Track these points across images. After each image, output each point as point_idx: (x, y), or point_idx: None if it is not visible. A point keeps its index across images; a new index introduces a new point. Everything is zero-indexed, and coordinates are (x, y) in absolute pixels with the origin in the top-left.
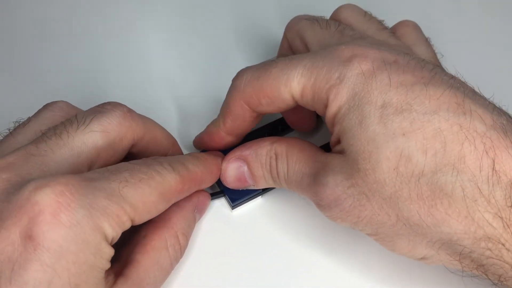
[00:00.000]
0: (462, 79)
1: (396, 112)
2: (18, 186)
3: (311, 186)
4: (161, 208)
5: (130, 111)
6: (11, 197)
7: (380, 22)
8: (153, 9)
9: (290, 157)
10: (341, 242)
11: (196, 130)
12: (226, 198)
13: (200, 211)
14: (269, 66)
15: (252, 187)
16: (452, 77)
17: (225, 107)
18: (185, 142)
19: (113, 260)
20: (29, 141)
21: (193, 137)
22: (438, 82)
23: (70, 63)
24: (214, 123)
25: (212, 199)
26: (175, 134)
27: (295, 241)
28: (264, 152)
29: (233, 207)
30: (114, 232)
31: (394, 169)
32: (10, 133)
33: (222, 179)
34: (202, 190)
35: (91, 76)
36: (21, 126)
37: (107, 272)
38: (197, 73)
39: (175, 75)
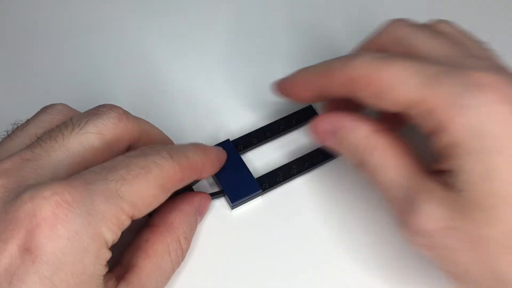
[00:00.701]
0: None
1: None
2: (14, 194)
3: (401, 204)
4: (162, 199)
5: (125, 113)
6: (8, 208)
7: (481, 44)
8: (154, 8)
9: (388, 158)
10: (340, 243)
11: (193, 133)
12: (225, 198)
13: (201, 213)
14: (395, 59)
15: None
16: None
17: (324, 67)
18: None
19: (115, 264)
20: (26, 144)
21: (190, 140)
22: None
23: (69, 65)
24: (308, 69)
25: (212, 198)
26: (172, 136)
27: (295, 242)
28: (361, 135)
29: (232, 207)
30: (114, 235)
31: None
32: (8, 136)
33: (311, 130)
34: (203, 192)
35: (91, 78)
36: (19, 129)
37: (108, 276)
38: (196, 76)
39: (175, 77)
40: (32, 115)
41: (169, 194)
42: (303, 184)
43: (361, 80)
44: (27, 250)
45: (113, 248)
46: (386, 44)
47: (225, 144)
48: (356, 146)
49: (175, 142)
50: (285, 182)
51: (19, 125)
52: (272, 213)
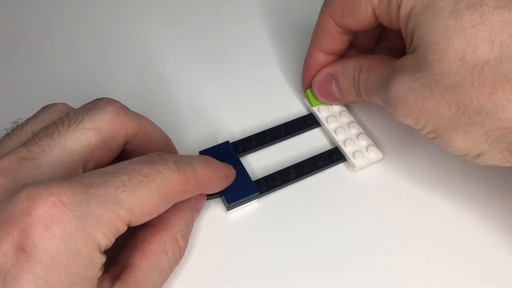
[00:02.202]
0: None
1: (467, 7)
2: (11, 193)
3: (384, 89)
4: (162, 209)
5: (123, 107)
6: (4, 206)
7: None
8: (153, 7)
9: (371, 68)
10: (335, 246)
11: (191, 130)
12: (222, 199)
13: (197, 210)
14: None
15: (338, 103)
16: None
17: (315, 25)
18: (180, 142)
19: (111, 264)
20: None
21: (188, 137)
22: None
23: (70, 63)
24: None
25: (208, 199)
26: (172, 137)
27: (289, 246)
28: (351, 67)
29: (228, 208)
30: (107, 240)
31: (460, 59)
32: (7, 134)
33: (313, 88)
34: None
35: (91, 78)
36: (18, 128)
37: (103, 277)
38: (196, 74)
39: (174, 74)
40: (32, 114)
41: (170, 205)
42: (301, 190)
43: (336, 10)
44: (22, 249)
45: (108, 249)
46: None
47: (224, 145)
48: (350, 76)
49: (174, 142)
50: (283, 187)
51: (19, 123)
52: (268, 216)
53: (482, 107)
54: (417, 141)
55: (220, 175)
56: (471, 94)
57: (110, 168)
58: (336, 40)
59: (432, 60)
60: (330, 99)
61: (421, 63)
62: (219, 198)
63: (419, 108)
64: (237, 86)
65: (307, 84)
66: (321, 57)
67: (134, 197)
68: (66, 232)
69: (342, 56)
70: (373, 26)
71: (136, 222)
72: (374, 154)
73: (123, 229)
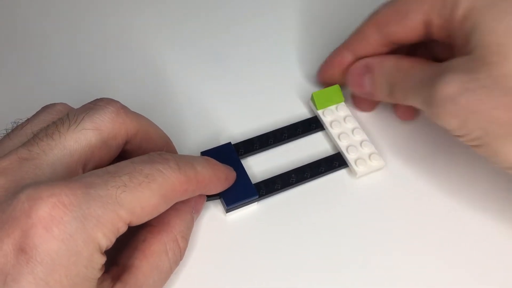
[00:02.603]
0: None
1: None
2: (12, 194)
3: (426, 88)
4: (162, 209)
5: (123, 107)
6: (5, 207)
7: None
8: (153, 7)
9: (412, 67)
10: (335, 249)
11: (193, 131)
12: (221, 201)
13: (197, 211)
14: None
15: (368, 97)
16: None
17: (356, 29)
18: (181, 142)
19: (111, 265)
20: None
21: (190, 138)
22: None
23: (70, 63)
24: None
25: (207, 200)
26: (172, 137)
27: (288, 250)
28: (390, 63)
29: (227, 210)
30: (108, 241)
31: None
32: (7, 134)
33: (347, 77)
34: None
35: (91, 78)
36: (18, 128)
37: (103, 277)
38: (197, 74)
39: (175, 74)
40: (33, 115)
41: (171, 204)
42: (301, 194)
43: (382, 17)
44: (22, 250)
45: (109, 249)
46: None
47: (226, 147)
48: (387, 74)
49: (175, 142)
50: (283, 191)
51: (19, 123)
52: (267, 219)
53: None
54: (422, 152)
55: (220, 176)
56: None
57: (111, 168)
58: (372, 48)
59: (493, 62)
60: (361, 90)
61: (479, 65)
62: (219, 200)
63: (471, 110)
64: (239, 86)
65: (325, 79)
66: (349, 57)
67: (135, 197)
68: (66, 233)
69: None
70: (418, 37)
71: (137, 222)
72: (376, 162)
73: (123, 229)
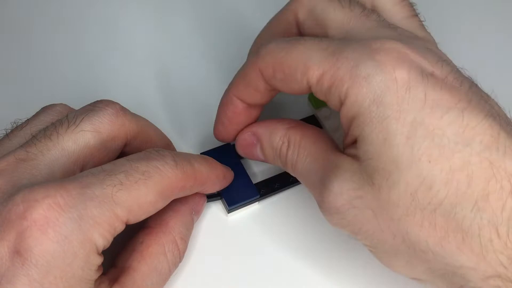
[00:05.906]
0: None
1: (426, 136)
2: (8, 195)
3: (316, 186)
4: (160, 206)
5: (123, 109)
6: (1, 209)
7: (411, 7)
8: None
9: (302, 148)
10: (336, 251)
11: (192, 132)
12: (222, 202)
13: (197, 212)
14: (296, 42)
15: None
16: (487, 99)
17: (240, 71)
18: (181, 143)
19: (109, 267)
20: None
21: (189, 140)
22: (476, 109)
23: (70, 63)
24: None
25: (208, 201)
26: (170, 136)
27: (289, 250)
28: (277, 137)
29: (229, 211)
30: (105, 241)
31: (411, 194)
32: (7, 135)
33: (236, 148)
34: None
35: (91, 78)
36: (18, 128)
37: (101, 279)
38: (198, 73)
39: (175, 74)
40: (32, 115)
41: (169, 201)
42: (302, 193)
43: (267, 68)
44: (17, 252)
45: (107, 251)
46: (302, 19)
47: (226, 147)
48: (276, 149)
49: (175, 143)
50: (284, 190)
51: (18, 124)
52: (269, 219)
53: (430, 249)
54: None
55: (218, 174)
56: (419, 233)
57: (107, 166)
58: (261, 96)
59: (380, 186)
60: (255, 159)
61: (366, 182)
62: (220, 201)
63: (358, 227)
64: None
65: (222, 135)
66: (240, 106)
67: (131, 195)
68: (61, 235)
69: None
70: (308, 92)
71: (134, 220)
72: None
73: (120, 228)
